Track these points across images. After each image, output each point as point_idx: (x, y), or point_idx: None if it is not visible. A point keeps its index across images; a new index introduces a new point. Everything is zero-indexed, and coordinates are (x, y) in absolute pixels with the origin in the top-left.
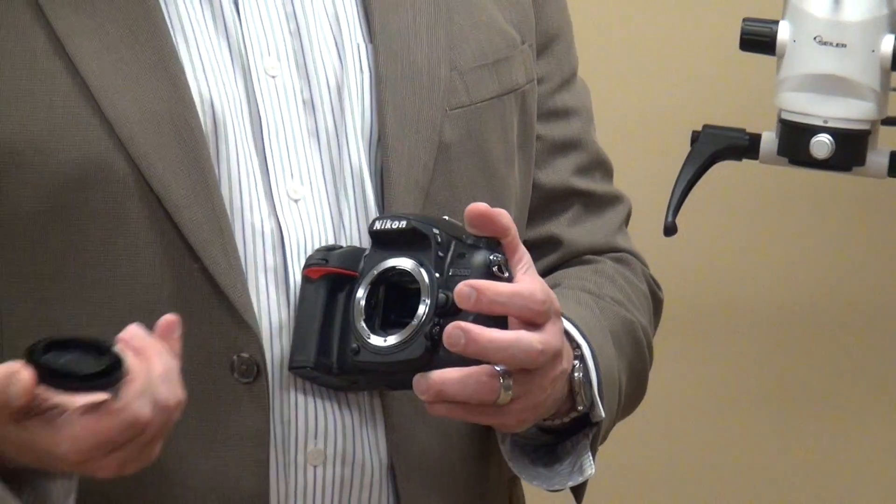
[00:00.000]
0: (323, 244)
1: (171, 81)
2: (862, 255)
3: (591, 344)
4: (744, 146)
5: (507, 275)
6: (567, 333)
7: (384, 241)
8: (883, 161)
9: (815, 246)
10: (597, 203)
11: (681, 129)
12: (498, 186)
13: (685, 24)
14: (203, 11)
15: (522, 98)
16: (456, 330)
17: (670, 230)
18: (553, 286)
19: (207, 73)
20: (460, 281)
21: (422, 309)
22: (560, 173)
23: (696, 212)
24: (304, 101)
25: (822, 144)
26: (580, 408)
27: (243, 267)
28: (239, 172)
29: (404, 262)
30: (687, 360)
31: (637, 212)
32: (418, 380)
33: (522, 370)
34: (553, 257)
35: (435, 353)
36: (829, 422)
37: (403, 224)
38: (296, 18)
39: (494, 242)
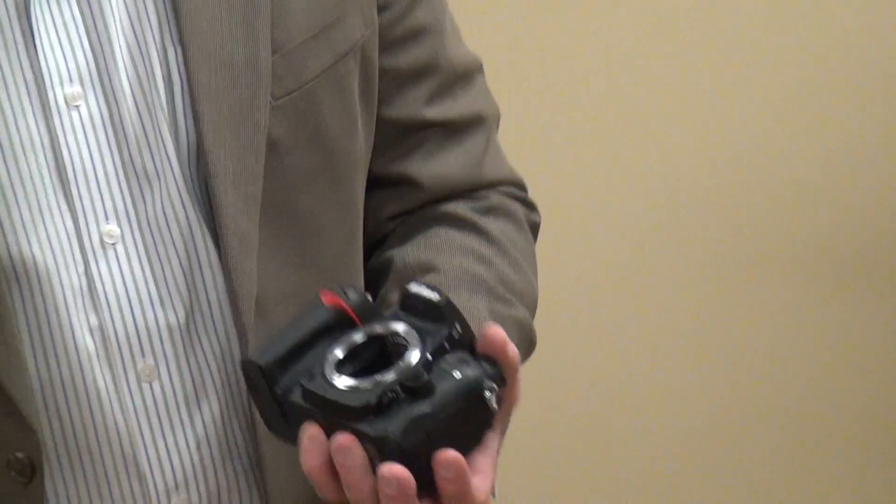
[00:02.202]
0: (144, 293)
1: None
2: None
3: None
4: None
5: (495, 409)
6: None
7: (408, 306)
8: None
9: None
10: (455, 131)
11: None
12: (341, 167)
13: None
14: None
15: (362, 51)
16: (391, 478)
17: None
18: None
19: (6, 114)
20: (445, 375)
21: (392, 372)
22: (410, 105)
23: None
24: (113, 129)
25: None
26: None
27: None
28: (44, 222)
29: (408, 332)
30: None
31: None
32: None
33: None
34: (411, 201)
35: (374, 416)
36: None
37: (437, 297)
38: (96, 31)
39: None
